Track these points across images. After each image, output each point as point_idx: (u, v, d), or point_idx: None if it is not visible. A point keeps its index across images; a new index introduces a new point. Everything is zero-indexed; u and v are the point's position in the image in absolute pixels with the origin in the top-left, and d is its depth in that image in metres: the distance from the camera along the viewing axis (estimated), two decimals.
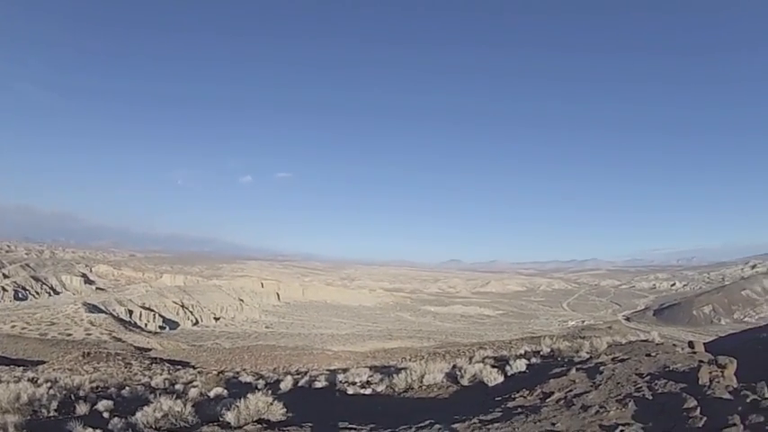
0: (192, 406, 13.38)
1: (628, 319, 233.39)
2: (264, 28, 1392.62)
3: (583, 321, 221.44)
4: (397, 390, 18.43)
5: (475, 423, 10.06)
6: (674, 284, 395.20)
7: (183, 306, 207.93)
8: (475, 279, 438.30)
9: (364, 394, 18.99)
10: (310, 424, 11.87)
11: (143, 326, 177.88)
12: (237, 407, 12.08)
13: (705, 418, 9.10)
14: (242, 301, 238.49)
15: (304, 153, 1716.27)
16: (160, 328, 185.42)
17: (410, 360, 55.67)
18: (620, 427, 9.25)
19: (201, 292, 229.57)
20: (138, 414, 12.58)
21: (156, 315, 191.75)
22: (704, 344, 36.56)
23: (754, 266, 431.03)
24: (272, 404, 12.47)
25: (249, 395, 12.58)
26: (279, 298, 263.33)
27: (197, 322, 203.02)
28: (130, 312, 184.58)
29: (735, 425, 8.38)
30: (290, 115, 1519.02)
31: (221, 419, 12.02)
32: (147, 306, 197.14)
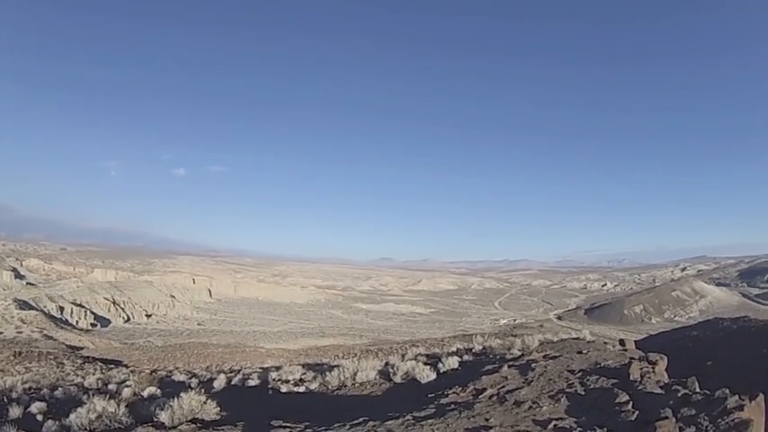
0: (126, 406, 13.29)
1: (559, 317, 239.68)
2: (201, 15, 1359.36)
3: (514, 320, 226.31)
4: (330, 387, 18.55)
5: (409, 420, 10.14)
6: (605, 285, 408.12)
7: (114, 302, 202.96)
8: (407, 277, 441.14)
9: (298, 392, 19.02)
10: (244, 423, 11.78)
11: (74, 323, 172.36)
12: (171, 407, 11.94)
13: (637, 412, 9.51)
14: (174, 297, 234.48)
15: (239, 147, 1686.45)
16: (92, 325, 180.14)
17: (343, 358, 55.96)
18: (554, 422, 9.53)
19: (133, 289, 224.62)
20: (72, 416, 12.39)
21: (88, 312, 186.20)
22: (635, 342, 37.76)
23: (684, 269, 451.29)
24: (205, 403, 12.42)
25: (182, 394, 12.48)
26: (211, 294, 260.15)
27: (129, 319, 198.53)
28: (62, 309, 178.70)
29: (667, 418, 8.77)
30: (224, 107, 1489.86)
31: (155, 420, 11.84)
32: (78, 302, 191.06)
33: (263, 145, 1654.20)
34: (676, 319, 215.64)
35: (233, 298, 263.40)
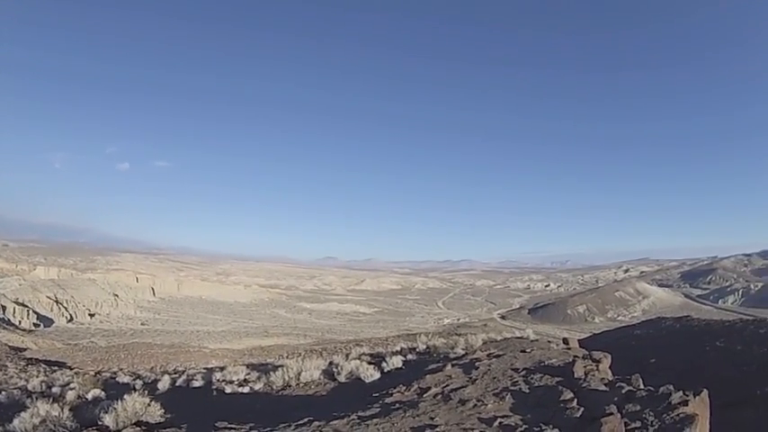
0: (70, 410, 12.87)
1: (503, 317, 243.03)
2: (152, 3, 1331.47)
3: (458, 319, 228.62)
4: (274, 388, 18.50)
5: (354, 419, 10.09)
6: (548, 285, 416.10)
7: (57, 301, 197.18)
8: (350, 277, 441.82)
9: (242, 393, 18.88)
10: (188, 425, 11.53)
11: (17, 323, 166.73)
12: (115, 409, 11.56)
13: (582, 409, 9.64)
14: (117, 296, 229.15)
15: (184, 142, 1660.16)
16: (34, 325, 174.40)
17: (287, 357, 55.68)
18: (499, 419, 9.58)
19: (76, 287, 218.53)
20: (16, 421, 11.96)
21: (30, 311, 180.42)
22: (579, 340, 38.37)
23: (627, 270, 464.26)
24: (149, 405, 12.11)
25: (126, 397, 12.12)
26: (154, 293, 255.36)
27: (72, 319, 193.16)
28: (3, 308, 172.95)
29: (612, 414, 8.90)
30: (171, 101, 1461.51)
31: (100, 423, 11.43)
32: (20, 301, 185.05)
33: (207, 141, 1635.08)
34: (619, 318, 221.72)
35: (176, 297, 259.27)
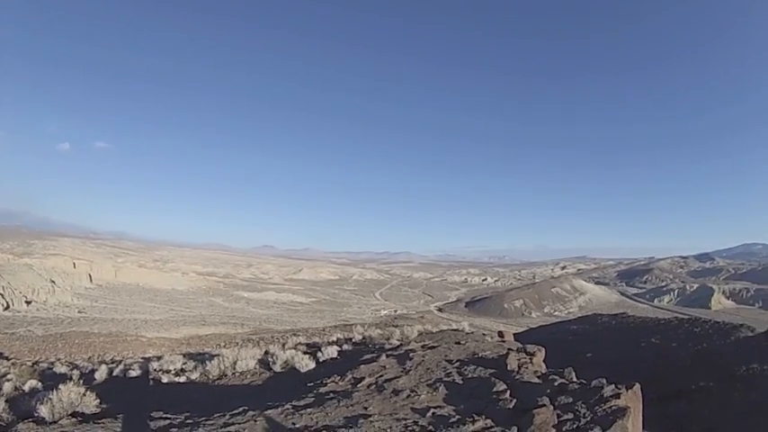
0: (6, 402, 12.55)
1: (440, 309, 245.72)
2: None
3: (395, 311, 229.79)
4: (211, 377, 18.33)
5: (288, 409, 10.14)
6: (485, 279, 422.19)
7: None
8: (288, 266, 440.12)
9: (179, 382, 18.56)
10: (125, 415, 11.35)
11: None
12: (51, 400, 11.32)
13: (515, 400, 9.93)
14: (54, 282, 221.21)
15: (125, 122, 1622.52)
16: None
17: (224, 346, 55.32)
18: (432, 410, 9.78)
19: (12, 273, 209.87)
20: None
21: None
22: (516, 334, 39.01)
23: (564, 268, 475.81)
24: (84, 395, 11.93)
25: (62, 387, 11.88)
26: (91, 280, 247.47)
27: (8, 306, 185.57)
28: None
29: (545, 405, 9.16)
30: (114, 78, 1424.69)
31: (36, 415, 11.17)
32: None
33: (148, 123, 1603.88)
34: (556, 313, 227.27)
35: (114, 284, 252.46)
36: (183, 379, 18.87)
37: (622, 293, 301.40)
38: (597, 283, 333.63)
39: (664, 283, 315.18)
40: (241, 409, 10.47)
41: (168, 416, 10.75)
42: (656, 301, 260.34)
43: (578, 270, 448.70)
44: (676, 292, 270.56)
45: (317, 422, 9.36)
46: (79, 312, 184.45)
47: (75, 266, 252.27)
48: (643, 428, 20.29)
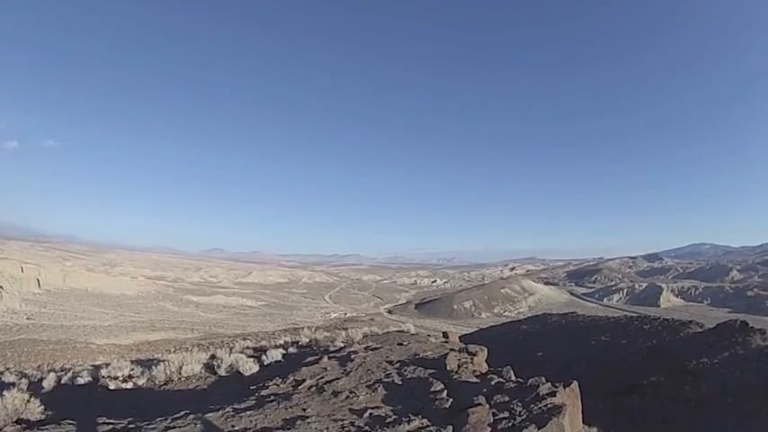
0: None
1: (390, 311, 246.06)
2: None
3: (345, 313, 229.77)
4: (157, 383, 18.47)
5: (228, 412, 10.28)
6: (434, 281, 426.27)
7: None
8: (237, 269, 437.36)
9: (126, 389, 18.59)
10: (71, 422, 11.30)
11: None
12: None
13: (452, 400, 10.19)
14: (1, 288, 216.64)
15: (76, 121, 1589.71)
16: None
17: (174, 352, 54.89)
18: (370, 411, 10.00)
19: None
20: None
21: None
22: (466, 335, 39.41)
23: (513, 269, 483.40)
24: (29, 402, 12.02)
25: (5, 393, 11.93)
26: (39, 285, 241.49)
27: None
28: None
29: (480, 404, 9.44)
30: (65, 73, 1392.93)
31: None
32: None
33: (100, 122, 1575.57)
34: (506, 314, 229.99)
35: (62, 289, 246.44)
36: (130, 385, 18.96)
37: (572, 293, 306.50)
38: (546, 284, 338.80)
39: (613, 283, 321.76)
40: (183, 413, 10.56)
41: (111, 421, 10.76)
42: (605, 300, 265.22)
43: (527, 271, 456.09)
44: (625, 291, 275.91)
45: (255, 424, 9.49)
46: (27, 319, 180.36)
47: (23, 271, 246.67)
48: (596, 423, 20.86)
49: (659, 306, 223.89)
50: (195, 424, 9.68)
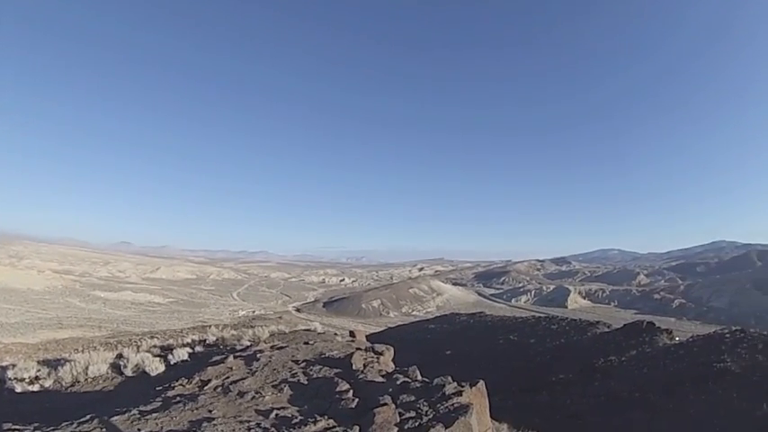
0: None
1: (298, 310, 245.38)
2: None
3: (254, 311, 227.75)
4: (64, 384, 17.75)
5: (134, 414, 10.04)
6: (343, 280, 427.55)
7: None
8: (145, 264, 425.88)
9: (33, 391, 17.80)
10: None
11: None
12: None
13: (358, 399, 10.32)
14: None
15: None
16: None
17: (82, 351, 53.28)
18: (276, 411, 9.99)
19: None
20: None
21: None
22: (375, 333, 39.60)
23: (421, 269, 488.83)
24: None
25: None
26: None
27: None
28: None
29: (386, 404, 9.53)
30: None
31: None
32: None
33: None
34: (414, 313, 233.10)
35: None
36: (36, 387, 18.23)
37: (480, 294, 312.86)
38: (455, 284, 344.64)
39: (521, 285, 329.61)
40: (89, 416, 10.24)
41: (17, 427, 10.39)
42: (513, 301, 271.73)
43: (436, 271, 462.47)
44: (533, 292, 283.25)
45: (161, 427, 9.33)
46: None
47: None
48: (506, 419, 21.31)
49: (567, 307, 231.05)
50: (101, 429, 9.44)
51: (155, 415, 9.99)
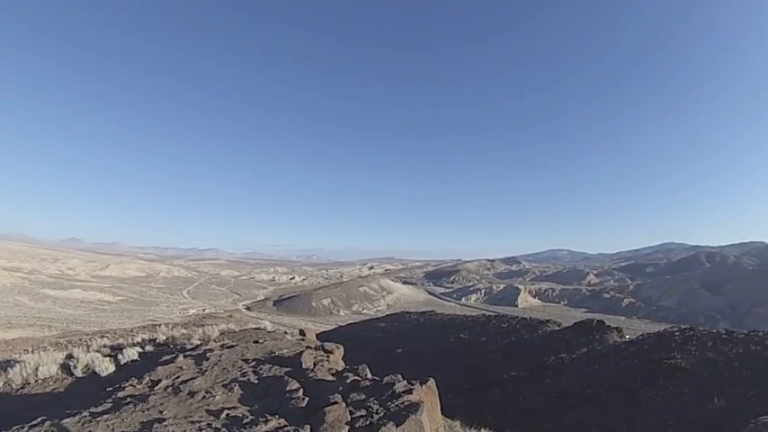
0: None
1: (248, 308, 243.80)
2: None
3: (204, 310, 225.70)
4: (14, 386, 17.36)
5: (85, 416, 9.94)
6: (293, 278, 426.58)
7: None
8: (95, 261, 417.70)
9: None
10: None
11: None
12: None
13: (308, 398, 10.42)
14: None
15: None
16: None
17: (32, 351, 52.25)
18: (227, 411, 10.03)
19: None
20: None
21: None
22: (325, 332, 39.68)
23: (371, 267, 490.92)
24: None
25: None
26: None
27: None
28: None
29: (337, 403, 9.62)
30: None
31: None
32: None
33: None
34: (364, 312, 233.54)
35: None
36: None
37: (430, 293, 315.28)
38: (405, 283, 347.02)
39: (471, 284, 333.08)
40: (40, 419, 10.12)
41: None
42: (463, 299, 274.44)
43: (386, 270, 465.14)
44: (483, 291, 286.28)
45: (113, 429, 9.29)
46: None
47: None
48: (459, 416, 21.57)
49: (517, 306, 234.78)
50: (51, 431, 9.39)
51: (106, 416, 9.92)
